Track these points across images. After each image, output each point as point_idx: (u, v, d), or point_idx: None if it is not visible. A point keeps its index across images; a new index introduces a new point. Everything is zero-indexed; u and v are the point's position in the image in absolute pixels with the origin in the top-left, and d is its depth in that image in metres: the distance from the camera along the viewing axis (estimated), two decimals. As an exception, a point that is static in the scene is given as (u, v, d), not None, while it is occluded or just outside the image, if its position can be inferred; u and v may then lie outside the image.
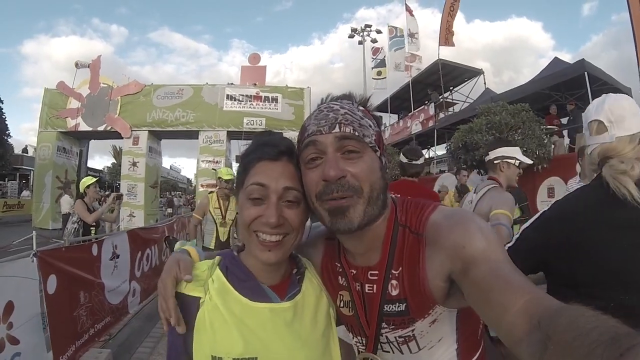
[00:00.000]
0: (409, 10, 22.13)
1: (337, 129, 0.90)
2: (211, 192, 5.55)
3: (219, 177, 5.74)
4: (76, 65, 17.28)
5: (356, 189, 0.89)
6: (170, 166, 70.39)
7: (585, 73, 10.59)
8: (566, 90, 12.20)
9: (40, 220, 15.74)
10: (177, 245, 1.14)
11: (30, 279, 3.61)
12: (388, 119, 25.48)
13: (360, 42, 24.87)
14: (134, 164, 16.45)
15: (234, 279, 0.97)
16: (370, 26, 25.02)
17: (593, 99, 1.50)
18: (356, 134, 0.91)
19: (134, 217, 16.12)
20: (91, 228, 5.83)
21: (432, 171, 17.93)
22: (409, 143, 18.18)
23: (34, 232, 8.42)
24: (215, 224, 5.15)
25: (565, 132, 11.32)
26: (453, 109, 20.33)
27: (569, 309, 0.58)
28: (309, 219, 1.04)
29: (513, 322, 0.65)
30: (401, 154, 4.06)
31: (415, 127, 20.38)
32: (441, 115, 19.21)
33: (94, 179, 6.22)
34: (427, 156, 22.34)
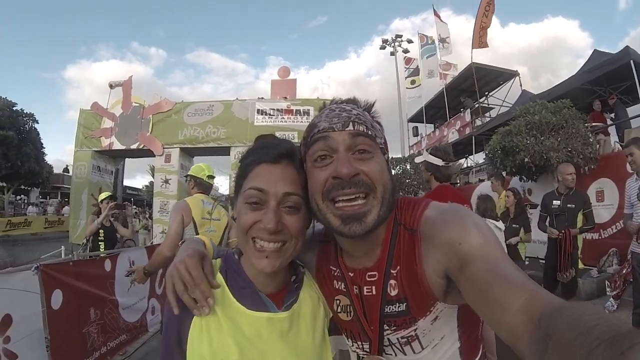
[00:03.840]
0: (437, 15, 21.83)
1: (350, 127, 0.90)
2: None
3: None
4: (110, 86, 17.75)
5: (370, 187, 0.87)
6: (207, 184, 71.43)
7: (631, 61, 9.73)
8: (609, 84, 11.35)
9: (76, 237, 15.94)
10: None
11: (32, 293, 3.47)
12: (424, 128, 25.05)
13: (392, 54, 24.62)
14: (166, 182, 16.53)
15: (233, 285, 0.95)
16: (401, 36, 24.89)
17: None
18: (369, 132, 0.91)
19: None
20: (99, 243, 5.66)
21: (472, 180, 17.18)
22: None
23: (62, 247, 8.50)
24: None
25: (612, 129, 10.45)
26: (490, 114, 19.61)
27: (569, 308, 0.57)
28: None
29: (513, 321, 0.65)
30: (429, 155, 3.42)
31: (452, 136, 19.94)
32: (478, 121, 18.55)
33: (108, 194, 6.13)
34: (465, 165, 21.71)
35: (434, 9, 21.99)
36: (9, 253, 13.66)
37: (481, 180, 14.93)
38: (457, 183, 18.00)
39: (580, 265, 7.12)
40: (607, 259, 7.06)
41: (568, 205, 4.81)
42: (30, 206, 29.49)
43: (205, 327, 0.88)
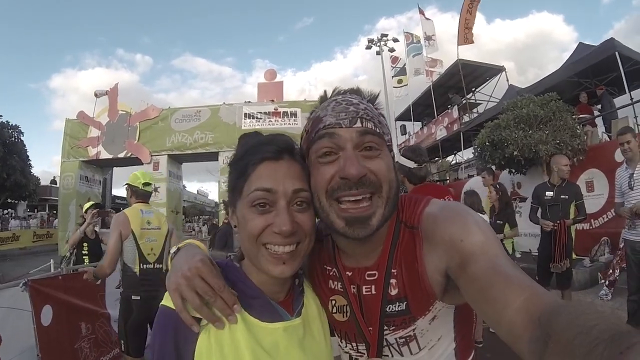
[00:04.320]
0: (422, 13, 21.95)
1: (358, 124, 0.86)
2: None
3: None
4: (95, 95, 17.58)
5: (376, 187, 0.85)
6: (197, 191, 71.03)
7: (616, 53, 9.83)
8: (595, 76, 11.47)
9: (65, 249, 15.74)
10: None
11: (21, 310, 3.40)
12: (412, 126, 25.11)
13: (378, 53, 24.61)
14: (155, 190, 16.30)
15: (241, 295, 0.85)
16: (386, 35, 24.78)
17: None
18: (377, 130, 0.88)
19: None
20: (83, 257, 5.52)
21: (461, 176, 17.26)
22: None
23: (51, 260, 8.33)
24: None
25: (599, 120, 10.57)
26: (477, 110, 19.72)
27: (568, 307, 0.57)
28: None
29: (513, 319, 0.65)
30: (401, 157, 3.21)
31: (440, 133, 19.99)
32: (466, 117, 18.64)
33: (91, 203, 5.99)
34: (454, 161, 21.77)
35: (419, 8, 22.09)
36: (-2, 269, 13.40)
37: (470, 176, 15.02)
38: (447, 180, 18.12)
39: (573, 256, 7.18)
40: (599, 248, 7.11)
41: (561, 196, 4.79)
42: (13, 220, 28.55)
43: (216, 345, 0.78)
